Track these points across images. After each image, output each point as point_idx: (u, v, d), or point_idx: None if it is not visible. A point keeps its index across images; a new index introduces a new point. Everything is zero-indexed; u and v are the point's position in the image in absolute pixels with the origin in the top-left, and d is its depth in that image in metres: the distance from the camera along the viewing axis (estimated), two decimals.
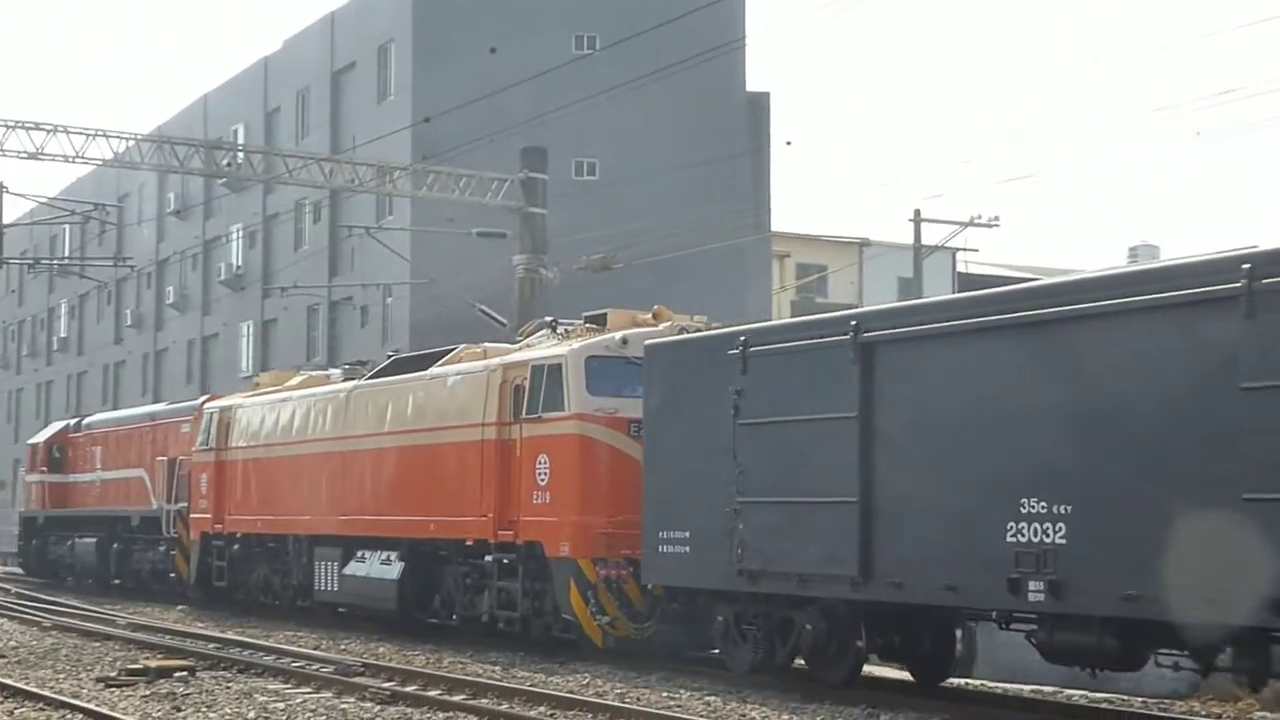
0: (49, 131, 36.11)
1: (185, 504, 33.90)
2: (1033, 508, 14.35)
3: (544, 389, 21.30)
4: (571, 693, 17.26)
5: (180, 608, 31.69)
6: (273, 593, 29.66)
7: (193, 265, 70.54)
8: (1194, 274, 13.36)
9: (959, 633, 17.58)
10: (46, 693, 17.54)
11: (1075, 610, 14.22)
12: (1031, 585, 14.34)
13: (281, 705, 16.70)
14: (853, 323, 16.49)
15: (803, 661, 18.09)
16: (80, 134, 36.59)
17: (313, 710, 16.32)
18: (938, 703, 16.20)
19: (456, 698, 17.10)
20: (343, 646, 23.26)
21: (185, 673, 19.34)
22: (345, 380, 28.28)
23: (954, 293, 40.81)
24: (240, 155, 41.96)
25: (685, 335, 20.06)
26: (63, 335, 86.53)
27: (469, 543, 22.95)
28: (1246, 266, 12.68)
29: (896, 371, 16.08)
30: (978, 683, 19.15)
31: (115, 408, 64.41)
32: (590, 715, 15.83)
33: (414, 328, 50.61)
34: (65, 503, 43.11)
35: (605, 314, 22.26)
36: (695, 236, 45.76)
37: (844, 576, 16.35)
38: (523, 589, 21.73)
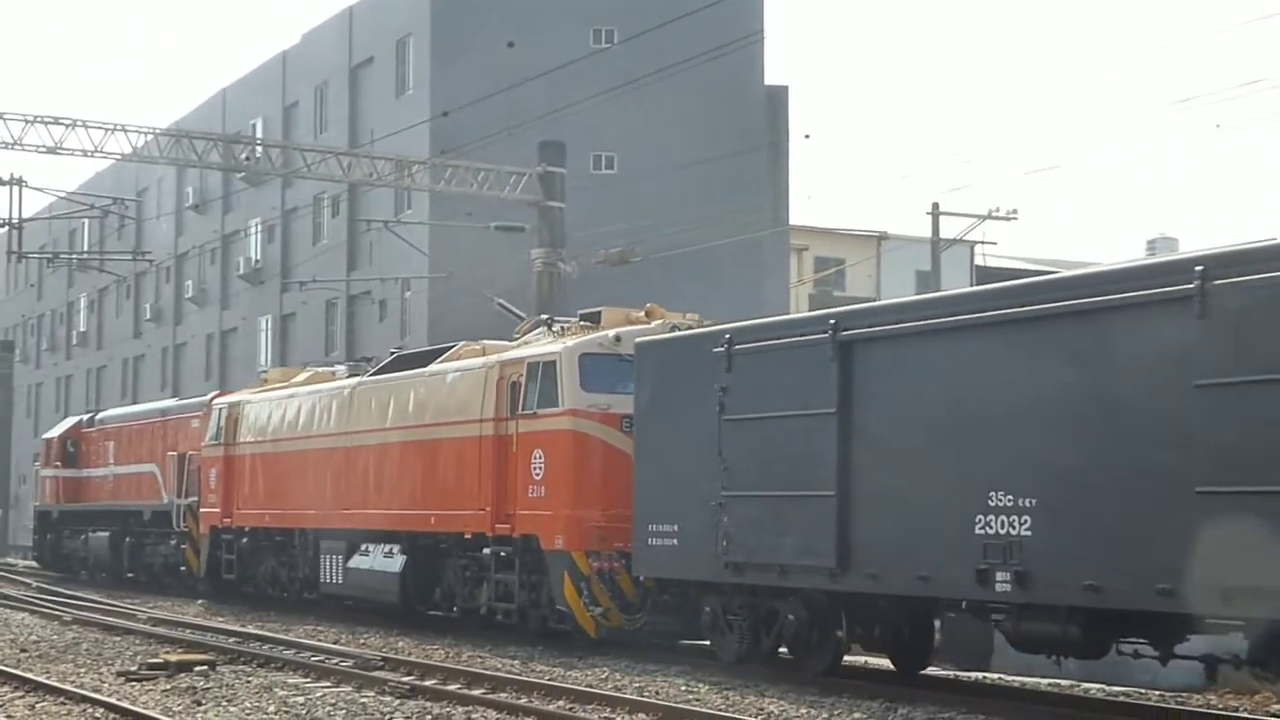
0: (68, 126, 36.26)
1: (195, 498, 34.57)
2: (1000, 501, 14.89)
3: (539, 385, 21.88)
4: (590, 687, 17.39)
5: (200, 602, 31.88)
6: (280, 585, 30.33)
7: (211, 260, 70.70)
8: (1150, 275, 13.92)
9: (937, 623, 18.04)
10: (68, 687, 17.70)
11: (1040, 600, 14.74)
12: (999, 576, 14.89)
13: (301, 699, 16.82)
14: (831, 321, 17.01)
15: (786, 650, 18.64)
16: (99, 129, 36.75)
17: (333, 704, 16.43)
18: (955, 696, 16.38)
19: (476, 691, 17.22)
20: (362, 641, 23.40)
21: (205, 667, 19.48)
22: (350, 377, 28.87)
23: (973, 285, 40.80)
24: (259, 150, 42.04)
25: (674, 333, 20.59)
26: (82, 330, 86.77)
27: (468, 536, 23.54)
28: (1199, 268, 13.18)
29: (873, 369, 16.63)
30: (994, 676, 19.20)
31: (134, 402, 64.66)
32: (609, 709, 15.94)
33: (432, 322, 50.70)
34: (79, 497, 43.78)
35: (599, 312, 22.87)
36: (713, 230, 45.81)
37: (823, 568, 16.94)
38: (519, 581, 22.34)
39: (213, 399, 35.31)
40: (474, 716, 15.53)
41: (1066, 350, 14.46)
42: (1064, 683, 18.54)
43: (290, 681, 18.57)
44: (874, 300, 38.63)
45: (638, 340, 20.60)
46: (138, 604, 31.63)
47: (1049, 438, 14.56)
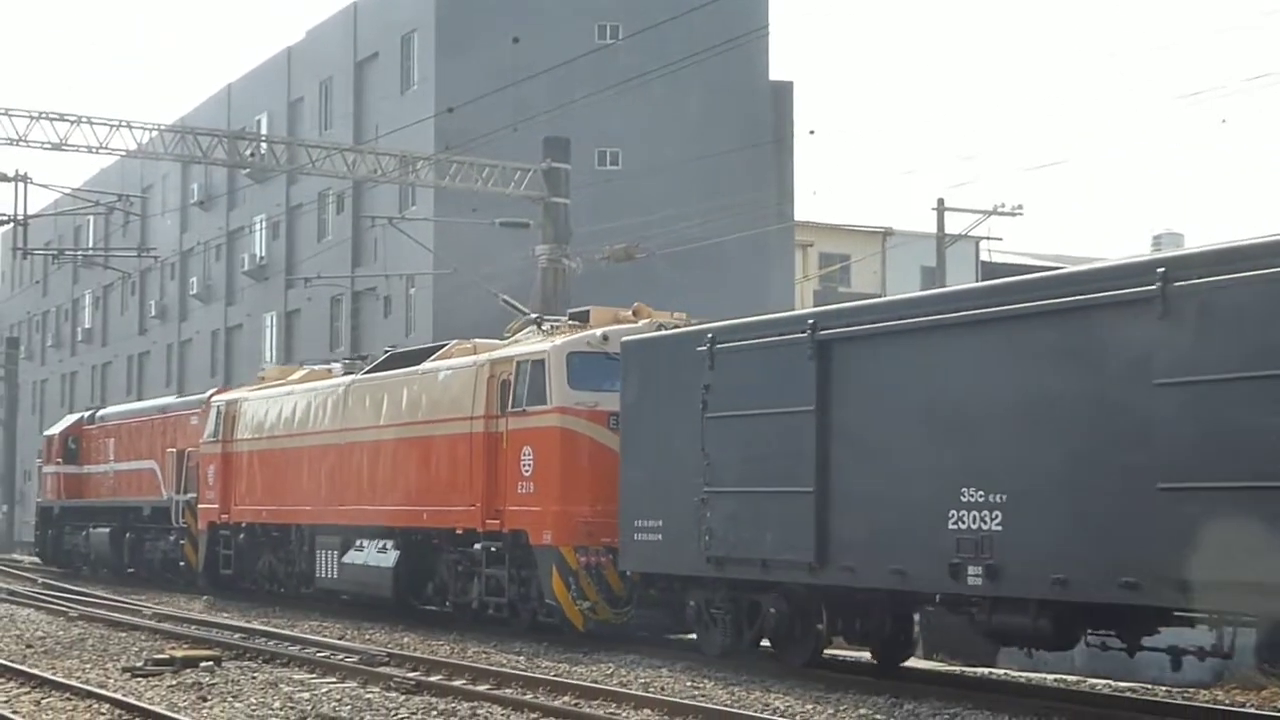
0: (73, 123, 36.27)
1: (194, 495, 35.01)
2: (972, 497, 15.26)
3: (528, 383, 22.34)
4: (595, 682, 17.42)
5: (205, 598, 31.94)
6: (277, 581, 30.75)
7: (216, 256, 70.81)
8: (1114, 277, 14.30)
9: (916, 616, 18.33)
10: (74, 682, 17.73)
11: (1010, 593, 15.15)
12: (971, 570, 15.26)
13: (307, 695, 16.84)
14: (810, 321, 17.42)
15: (769, 643, 19.07)
16: (104, 125, 36.76)
17: (338, 700, 16.46)
18: (961, 691, 16.43)
19: (481, 687, 17.25)
20: (367, 636, 23.44)
21: (211, 663, 19.52)
22: (345, 375, 29.35)
23: (978, 281, 40.80)
24: (263, 146, 42.05)
25: (659, 332, 20.98)
26: (87, 326, 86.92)
27: (459, 531, 23.95)
28: (1160, 270, 13.59)
29: (850, 368, 17.01)
30: (1000, 672, 19.19)
31: (140, 398, 64.78)
32: (614, 705, 15.95)
33: (437, 318, 50.81)
34: (80, 493, 44.27)
35: (588, 311, 23.33)
36: (718, 226, 45.83)
37: (802, 562, 17.33)
38: (509, 576, 22.78)
39: (211, 396, 35.76)
40: (479, 712, 15.54)
41: (1035, 350, 14.87)
42: (1070, 678, 18.62)
43: (296, 677, 18.60)
44: (879, 296, 38.58)
45: (623, 339, 21.00)
46: (141, 600, 31.74)
47: (1018, 435, 14.95)
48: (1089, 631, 15.37)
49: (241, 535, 31.91)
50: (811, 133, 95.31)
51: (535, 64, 43.01)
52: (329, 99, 62.21)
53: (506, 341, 24.52)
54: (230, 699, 16.58)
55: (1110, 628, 15.15)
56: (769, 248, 53.22)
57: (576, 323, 23.23)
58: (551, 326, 23.64)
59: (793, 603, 18.29)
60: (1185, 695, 17.11)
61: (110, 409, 47.34)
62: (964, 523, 15.34)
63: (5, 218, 43.98)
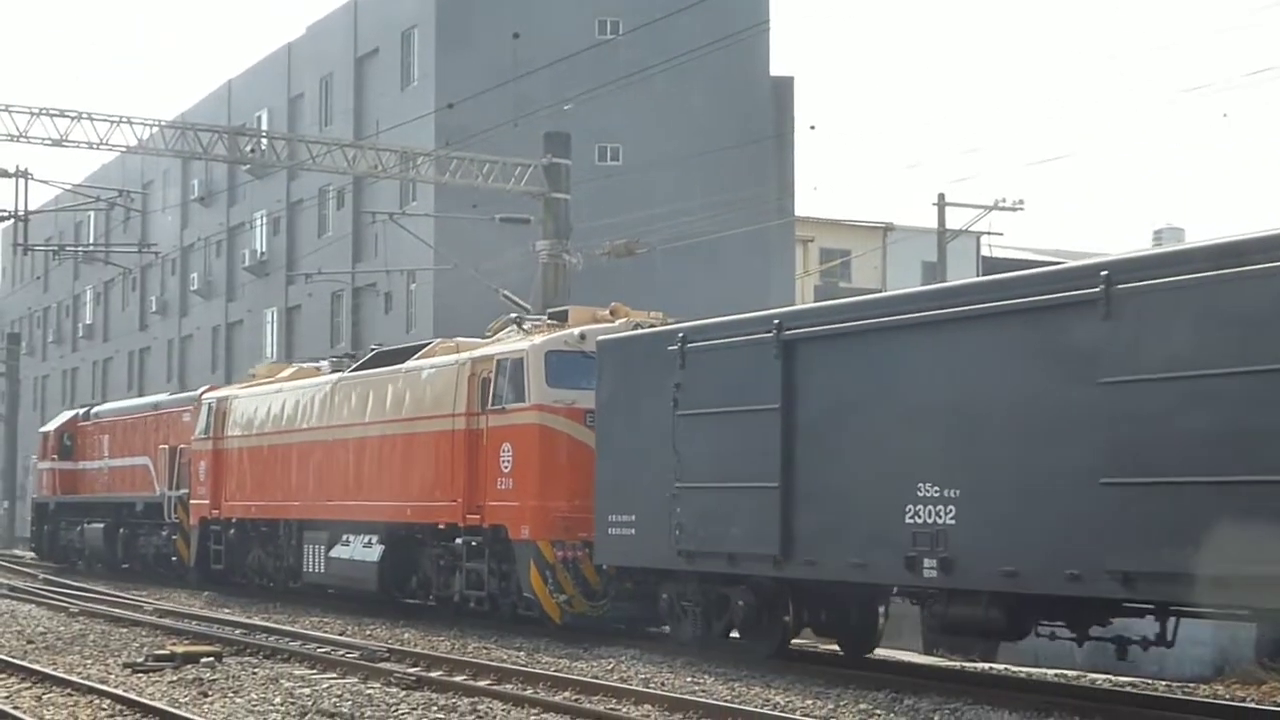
0: (73, 118, 36.25)
1: (186, 491, 35.63)
2: (928, 492, 15.86)
3: (508, 381, 22.96)
4: (596, 678, 17.49)
5: (206, 593, 31.99)
6: (266, 575, 31.39)
7: (217, 252, 70.92)
8: (1060, 279, 14.97)
9: (882, 609, 19.07)
10: (74, 678, 17.78)
11: (963, 585, 15.76)
12: (926, 563, 15.86)
13: (308, 690, 16.88)
14: (775, 321, 18.03)
15: (737, 634, 19.74)
16: (104, 121, 36.74)
17: (339, 695, 16.49)
18: (961, 687, 16.47)
19: (481, 683, 17.31)
20: (368, 632, 23.51)
21: (212, 658, 19.58)
22: (332, 373, 29.94)
23: (978, 276, 40.83)
24: (264, 141, 42.03)
25: (633, 332, 21.59)
26: (88, 322, 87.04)
27: (441, 526, 24.54)
28: (1104, 273, 14.16)
29: (813, 367, 17.62)
30: (1001, 667, 19.21)
31: (141, 394, 64.90)
32: (614, 700, 16.00)
33: (438, 314, 50.89)
34: (75, 489, 44.89)
35: (566, 311, 24.15)
36: (719, 222, 45.91)
37: (767, 555, 17.97)
38: (489, 570, 23.39)
39: (202, 394, 36.39)
40: (480, 708, 15.58)
41: (986, 349, 15.48)
42: (1070, 673, 18.70)
43: (296, 673, 18.66)
44: (880, 292, 38.59)
45: (599, 338, 21.64)
46: (138, 595, 31.84)
47: (971, 432, 15.55)
48: (1040, 623, 15.93)
49: (232, 530, 32.52)
50: (812, 128, 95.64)
51: (535, 59, 43.11)
52: (329, 95, 62.27)
53: (488, 340, 25.07)
54: (231, 694, 16.63)
55: (1061, 619, 15.69)
56: (769, 243, 53.29)
57: (555, 322, 23.88)
58: (531, 326, 24.25)
59: (760, 595, 18.93)
60: (1185, 690, 17.21)
61: (105, 406, 47.94)
62: (920, 517, 15.91)
63: (6, 213, 44.10)
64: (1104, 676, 18.32)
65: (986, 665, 19.60)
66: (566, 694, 16.50)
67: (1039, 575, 14.79)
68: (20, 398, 75.27)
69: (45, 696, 16.79)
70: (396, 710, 15.54)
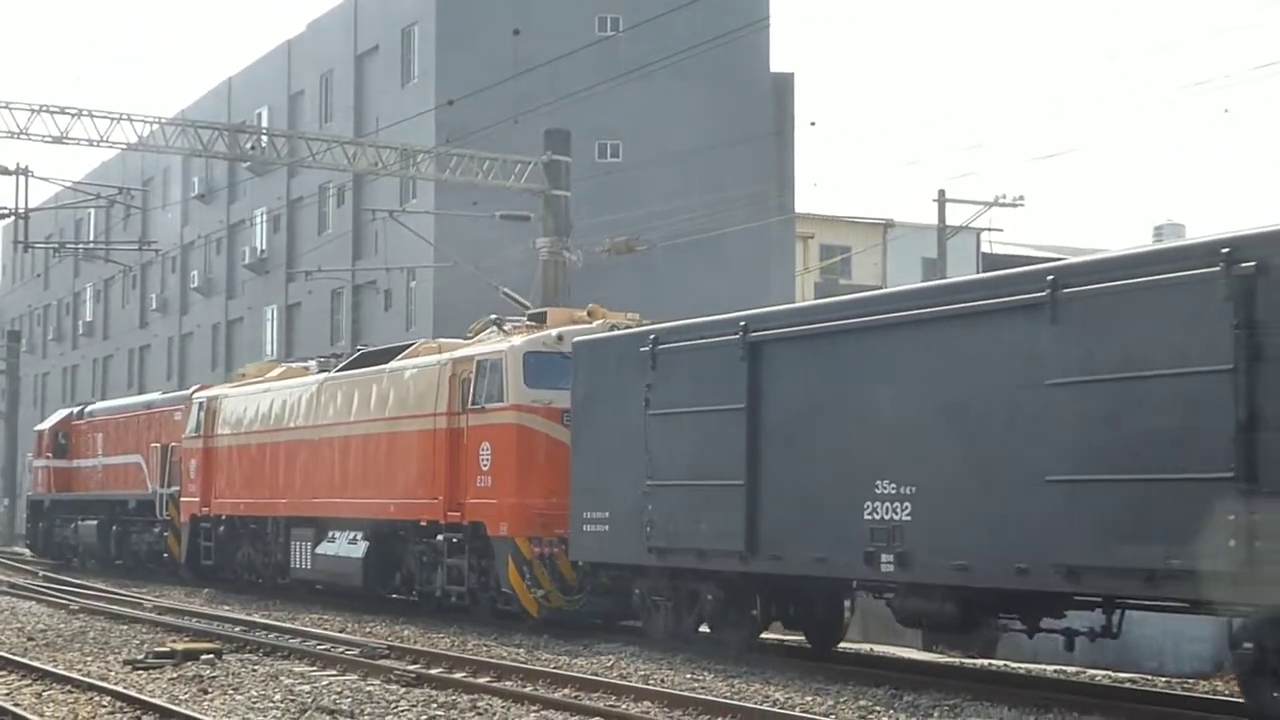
0: (74, 116, 36.25)
1: (177, 488, 36.26)
2: (885, 489, 16.48)
3: (487, 382, 23.57)
4: (595, 675, 17.51)
5: (206, 590, 32.08)
6: (255, 571, 32.05)
7: (217, 249, 71.04)
8: (1010, 284, 15.57)
9: (847, 603, 19.71)
10: (75, 675, 17.84)
11: (919, 579, 16.38)
12: (884, 558, 16.49)
13: (308, 687, 16.93)
14: (742, 323, 18.65)
15: (707, 628, 20.36)
16: (105, 118, 36.82)
17: (338, 692, 16.54)
18: (961, 683, 16.50)
19: (481, 680, 17.37)
20: (368, 629, 23.58)
21: (212, 655, 19.68)
22: (319, 373, 30.64)
23: (978, 273, 40.87)
24: (264, 139, 42.08)
25: (606, 333, 22.20)
26: (88, 319, 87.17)
27: (423, 523, 25.16)
28: (1050, 278, 14.78)
29: (778, 368, 18.25)
30: (1000, 663, 19.22)
31: (141, 392, 64.96)
32: (614, 697, 16.05)
33: (438, 311, 50.97)
34: (69, 487, 45.66)
35: (545, 312, 25.03)
36: (719, 218, 45.97)
37: (734, 551, 18.60)
38: (469, 565, 24.00)
39: (193, 393, 37.01)
40: (479, 704, 15.63)
41: (939, 351, 16.08)
42: (1070, 669, 18.69)
43: (296, 670, 18.73)
44: (880, 289, 38.63)
45: (575, 339, 22.29)
46: (137, 592, 31.96)
47: (926, 431, 16.19)
48: (992, 615, 16.61)
49: (221, 527, 33.13)
50: (812, 124, 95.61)
51: (536, 56, 43.16)
52: (329, 92, 62.37)
53: (469, 341, 25.71)
54: (231, 691, 16.67)
55: (1012, 612, 16.33)
56: (770, 240, 53.39)
57: (534, 324, 24.52)
58: (511, 327, 24.87)
59: (728, 589, 19.56)
60: (1185, 686, 17.24)
61: (98, 405, 48.74)
62: (878, 513, 16.53)
63: (6, 211, 44.28)
64: (1103, 673, 18.40)
65: (986, 662, 19.64)
66: (566, 691, 16.55)
67: (989, 569, 15.40)
68: (20, 395, 75.32)
69: (45, 693, 16.84)
70: (396, 707, 15.59)
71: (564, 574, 22.48)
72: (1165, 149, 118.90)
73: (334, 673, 18.55)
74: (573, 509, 21.49)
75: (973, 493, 15.51)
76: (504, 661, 18.82)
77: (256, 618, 25.50)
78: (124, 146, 39.92)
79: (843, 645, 21.11)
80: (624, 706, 15.51)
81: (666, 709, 15.41)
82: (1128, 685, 17.18)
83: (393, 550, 26.38)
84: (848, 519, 16.80)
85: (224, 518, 32.90)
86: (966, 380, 15.67)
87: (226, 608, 28.20)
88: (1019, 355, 15.07)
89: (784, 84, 57.06)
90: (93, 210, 68.99)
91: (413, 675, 17.69)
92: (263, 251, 66.27)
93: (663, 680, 17.33)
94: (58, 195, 65.00)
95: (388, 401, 26.35)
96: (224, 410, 33.28)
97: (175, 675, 18.14)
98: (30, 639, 22.65)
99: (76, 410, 47.28)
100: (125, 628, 24.51)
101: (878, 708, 15.27)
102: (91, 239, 72.75)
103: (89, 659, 19.99)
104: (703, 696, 15.71)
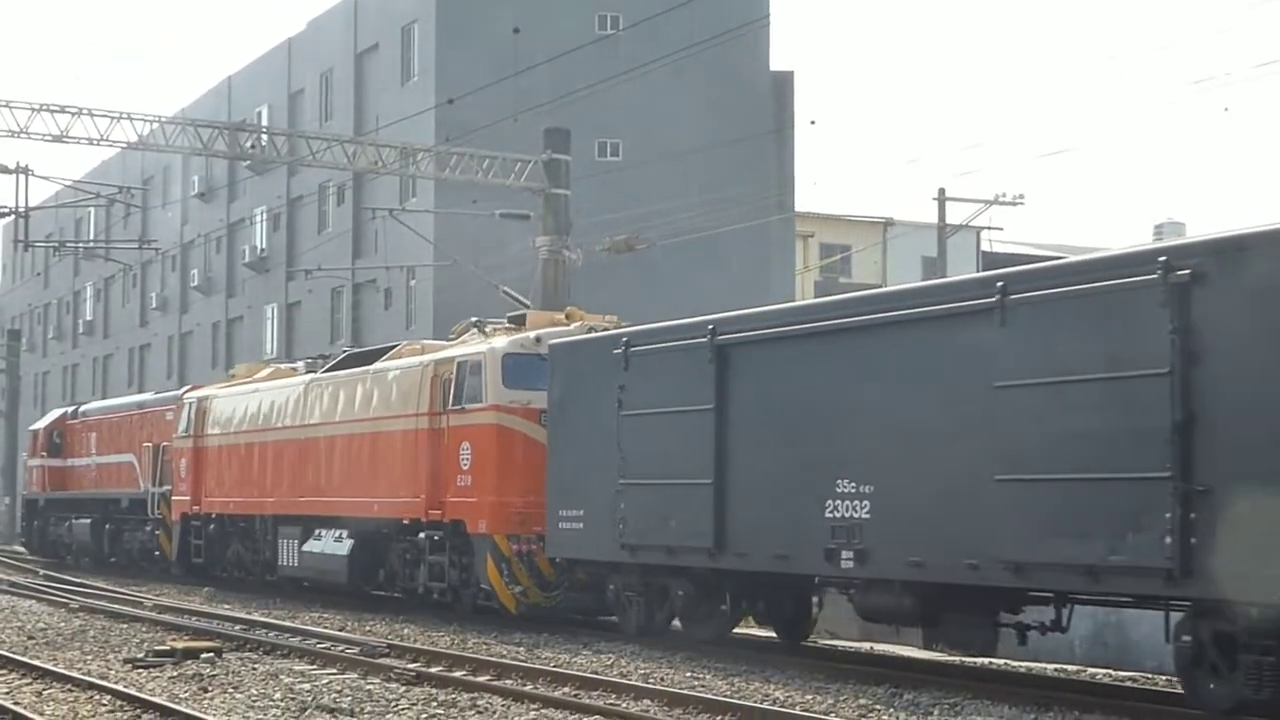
0: (74, 114, 36.26)
1: (169, 487, 36.87)
2: (845, 488, 17.09)
3: (467, 383, 24.20)
4: (596, 673, 17.59)
5: (206, 589, 32.13)
6: (244, 568, 32.74)
7: (217, 248, 71.17)
8: (963, 289, 16.24)
9: (815, 598, 20.35)
10: (75, 674, 17.88)
11: (876, 575, 17.03)
12: (844, 554, 17.11)
13: (308, 686, 16.96)
14: (710, 327, 19.32)
15: (678, 623, 21.15)
16: (105, 117, 36.83)
17: (339, 691, 16.57)
18: (961, 682, 16.56)
19: (481, 678, 17.40)
20: (368, 628, 23.63)
21: (212, 654, 19.74)
22: (307, 374, 31.28)
23: (978, 271, 40.89)
24: (264, 137, 42.09)
25: (581, 336, 22.93)
26: (88, 318, 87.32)
27: (406, 522, 25.80)
28: (1000, 284, 15.41)
29: (744, 370, 18.91)
30: (1000, 662, 19.22)
31: (141, 391, 64.95)
32: (614, 695, 16.07)
33: (438, 310, 51.11)
34: (64, 486, 46.29)
35: (525, 314, 25.79)
36: (718, 217, 46.08)
37: (702, 548, 19.24)
38: (450, 562, 24.62)
39: (184, 393, 37.66)
40: (479, 703, 15.66)
41: (895, 354, 16.76)
42: (1070, 668, 18.72)
43: (296, 668, 18.78)
44: (880, 287, 38.66)
45: (551, 341, 23.01)
46: (137, 591, 32.02)
47: (884, 431, 16.83)
48: (947, 611, 17.09)
49: (211, 525, 33.83)
50: (812, 123, 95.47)
51: (536, 55, 43.23)
52: (329, 90, 62.50)
53: (451, 343, 26.36)
54: (231, 690, 16.70)
55: (969, 607, 16.83)
56: (769, 239, 53.54)
57: (514, 325, 25.19)
58: (492, 329, 25.47)
59: (698, 586, 20.28)
60: None
61: (92, 404, 49.36)
62: (839, 511, 17.15)
63: (6, 210, 44.33)
64: (1104, 671, 18.47)
65: (986, 660, 19.64)
66: (566, 689, 16.58)
67: (942, 565, 16.03)
68: (21, 394, 75.36)
69: (46, 692, 16.88)
70: (396, 705, 15.63)
71: (542, 570, 23.02)
72: (1165, 148, 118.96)
73: (334, 671, 18.61)
74: (549, 507, 22.13)
75: (927, 491, 16.14)
76: (504, 660, 18.91)
77: (256, 616, 25.57)
78: (124, 145, 39.96)
79: (842, 644, 21.62)
80: (624, 705, 15.56)
81: (666, 707, 15.45)
82: (1128, 684, 17.24)
83: (377, 548, 26.97)
84: (810, 517, 17.43)
85: (214, 516, 33.56)
86: (921, 383, 16.33)
87: (226, 606, 28.25)
88: (970, 359, 15.67)
89: (784, 82, 57.18)
90: (93, 209, 69.06)
91: (413, 674, 17.76)
92: (263, 250, 66.40)
93: (662, 679, 17.39)
94: (58, 194, 65.08)
95: (372, 402, 26.98)
96: (214, 410, 33.95)
97: (175, 674, 18.20)
98: (30, 638, 22.72)
99: (71, 410, 47.93)
100: (125, 626, 24.57)
101: (878, 706, 15.36)
102: (91, 238, 72.87)
103: (89, 658, 20.05)
104: (703, 695, 15.76)
